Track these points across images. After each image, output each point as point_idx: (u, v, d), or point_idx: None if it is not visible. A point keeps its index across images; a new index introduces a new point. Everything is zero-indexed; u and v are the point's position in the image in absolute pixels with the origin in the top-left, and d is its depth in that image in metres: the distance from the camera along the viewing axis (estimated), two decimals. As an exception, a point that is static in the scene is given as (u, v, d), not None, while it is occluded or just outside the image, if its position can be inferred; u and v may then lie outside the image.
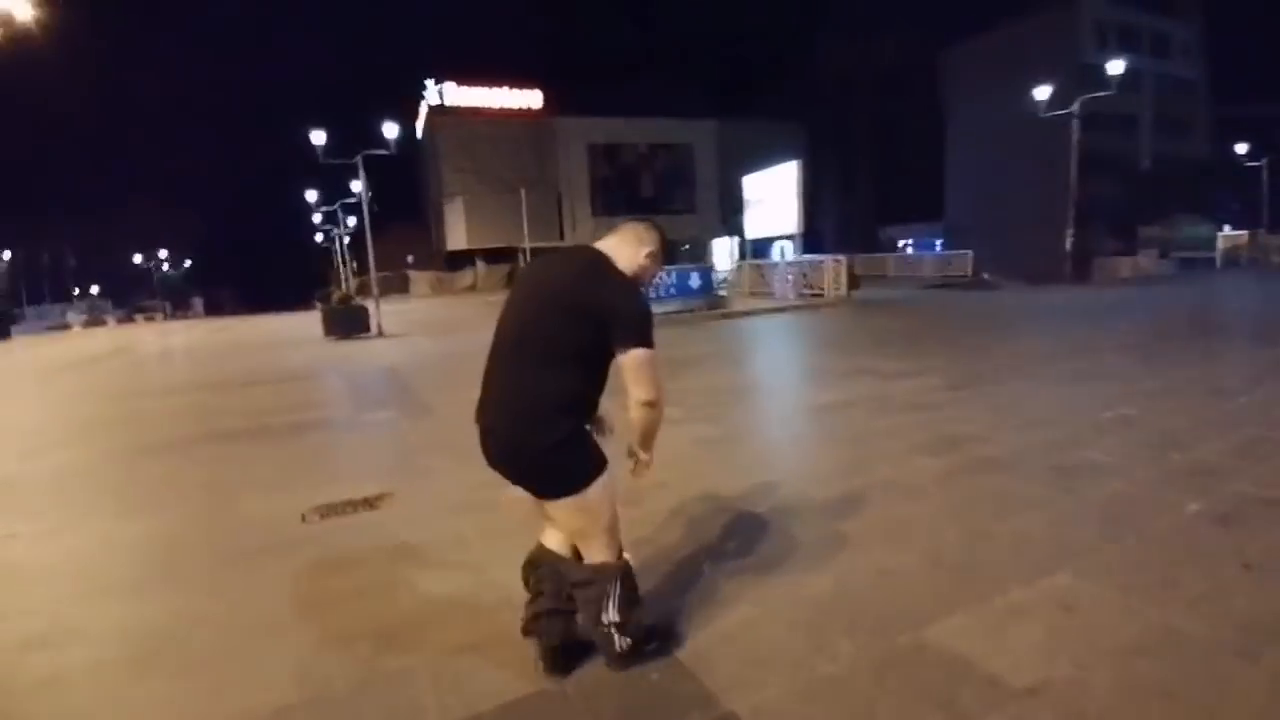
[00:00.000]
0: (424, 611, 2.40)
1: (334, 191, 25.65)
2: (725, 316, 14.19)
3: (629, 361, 1.76)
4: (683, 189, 45.26)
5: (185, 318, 42.15)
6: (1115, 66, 17.80)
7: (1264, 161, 25.55)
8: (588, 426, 1.90)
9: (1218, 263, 25.43)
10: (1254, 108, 40.08)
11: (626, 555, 1.97)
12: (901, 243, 45.20)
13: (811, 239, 24.11)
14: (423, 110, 42.27)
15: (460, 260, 40.88)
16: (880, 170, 53.14)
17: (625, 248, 1.92)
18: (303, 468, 4.50)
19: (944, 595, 2.33)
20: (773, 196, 18.62)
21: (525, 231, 26.34)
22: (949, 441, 4.16)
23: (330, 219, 29.50)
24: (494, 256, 38.41)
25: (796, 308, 15.30)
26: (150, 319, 40.73)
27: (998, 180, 40.27)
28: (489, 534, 3.06)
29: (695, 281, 15.78)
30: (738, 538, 2.89)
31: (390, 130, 14.41)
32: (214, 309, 47.81)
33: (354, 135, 15.43)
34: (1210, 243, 26.71)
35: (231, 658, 2.20)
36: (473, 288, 38.30)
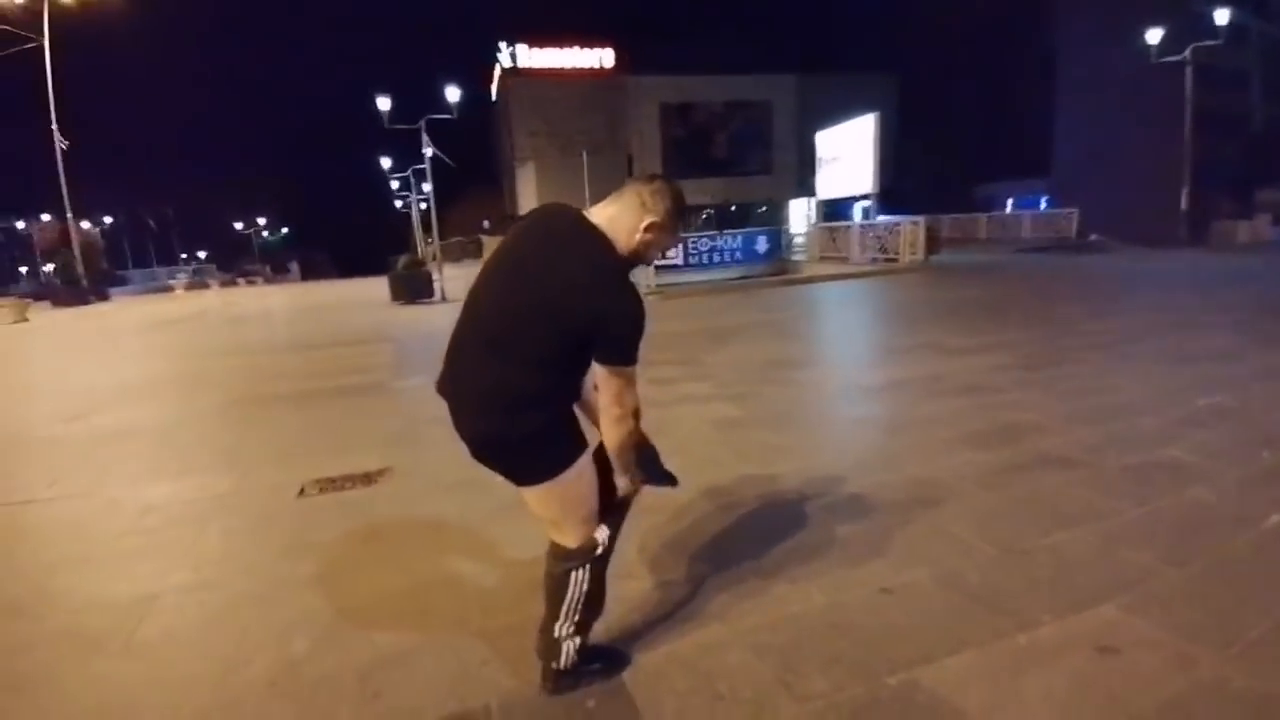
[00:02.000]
0: (371, 607, 2.29)
1: (411, 159, 26.22)
2: (787, 283, 13.52)
3: (606, 374, 1.55)
4: (758, 149, 43.30)
5: (283, 281, 44.92)
6: (1222, 15, 17.02)
7: None
8: (574, 407, 1.66)
9: None
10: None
11: (601, 542, 1.70)
12: (1009, 200, 41.65)
13: (896, 200, 22.60)
14: (496, 73, 42.38)
15: (533, 224, 41.20)
16: (980, 124, 49.13)
17: (626, 218, 1.62)
18: (325, 435, 4.54)
19: (954, 626, 1.96)
20: (848, 154, 17.40)
21: (587, 196, 26.04)
22: (1005, 432, 3.65)
23: (407, 185, 30.27)
24: (566, 219, 38.37)
25: (866, 273, 14.36)
26: (252, 283, 43.69)
27: (1110, 134, 35.97)
28: (467, 520, 2.91)
29: (762, 246, 15.04)
30: (726, 540, 2.60)
31: (452, 94, 14.41)
32: (310, 273, 50.64)
33: (428, 101, 15.53)
34: None
35: (214, 628, 2.18)
36: (544, 252, 38.51)
